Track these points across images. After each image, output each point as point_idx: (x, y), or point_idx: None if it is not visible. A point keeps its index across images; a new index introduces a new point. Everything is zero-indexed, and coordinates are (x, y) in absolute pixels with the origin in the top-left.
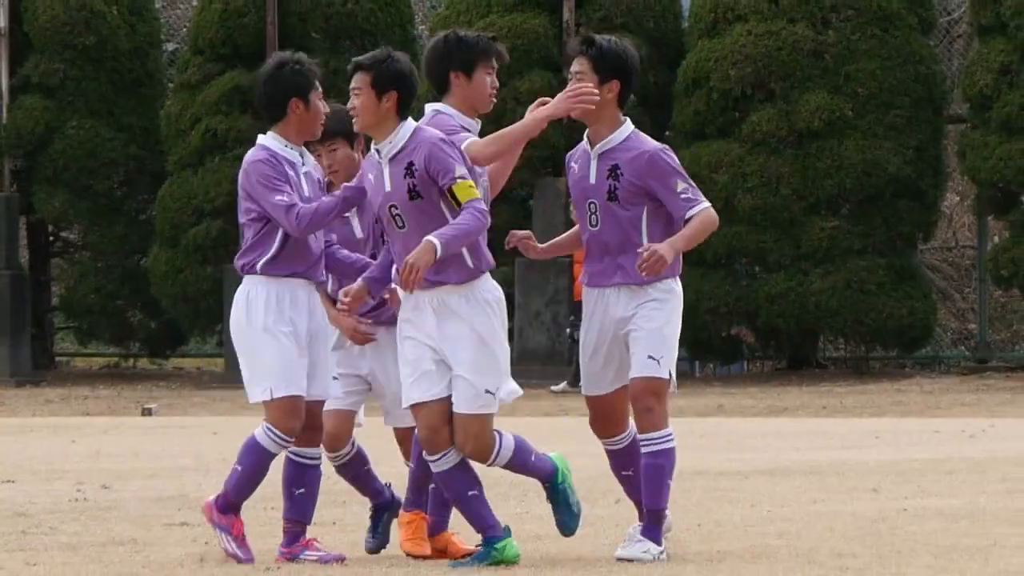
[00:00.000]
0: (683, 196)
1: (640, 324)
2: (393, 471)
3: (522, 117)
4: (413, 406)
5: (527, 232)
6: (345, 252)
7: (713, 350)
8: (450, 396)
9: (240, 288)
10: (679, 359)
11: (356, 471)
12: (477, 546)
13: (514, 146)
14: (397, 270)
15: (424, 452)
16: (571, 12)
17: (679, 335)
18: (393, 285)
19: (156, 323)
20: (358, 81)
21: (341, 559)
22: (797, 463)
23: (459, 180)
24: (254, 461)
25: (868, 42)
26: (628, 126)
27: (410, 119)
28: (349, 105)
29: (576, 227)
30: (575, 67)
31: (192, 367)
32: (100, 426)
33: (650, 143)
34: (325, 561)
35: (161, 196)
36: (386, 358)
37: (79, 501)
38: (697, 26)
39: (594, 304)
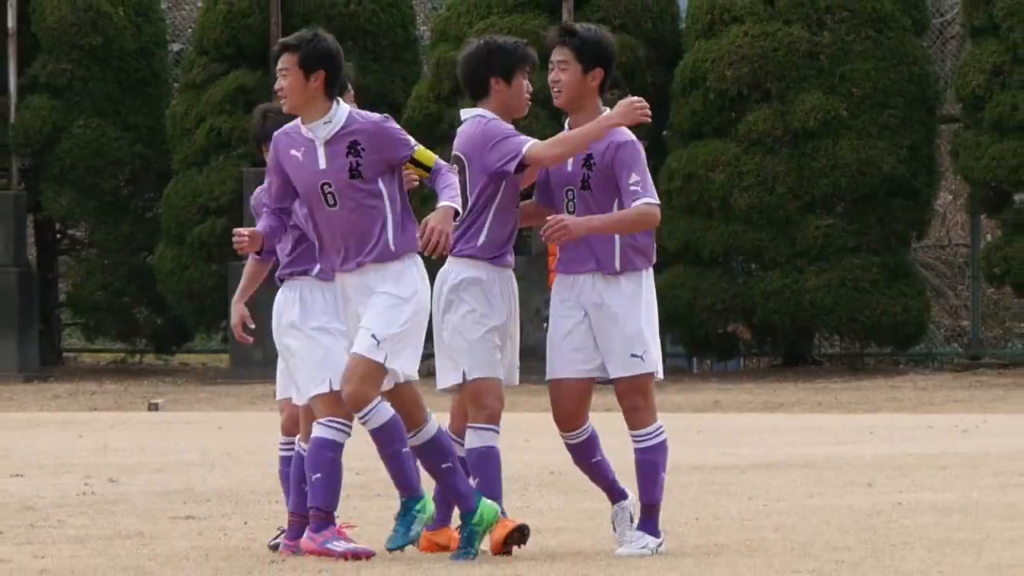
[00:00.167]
0: (632, 187)
1: (617, 319)
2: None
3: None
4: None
5: None
6: None
7: (710, 347)
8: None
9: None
10: (676, 356)
11: (296, 471)
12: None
13: (578, 149)
14: (315, 250)
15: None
16: (570, 13)
17: (658, 323)
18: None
19: (162, 319)
20: (285, 62)
21: (369, 554)
22: (793, 458)
23: (417, 147)
24: (327, 459)
25: (862, 43)
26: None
27: (343, 101)
28: (277, 86)
29: (529, 204)
30: (557, 56)
31: (197, 363)
32: (107, 421)
33: (623, 134)
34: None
35: (167, 194)
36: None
37: (86, 495)
38: (694, 27)
39: (568, 290)
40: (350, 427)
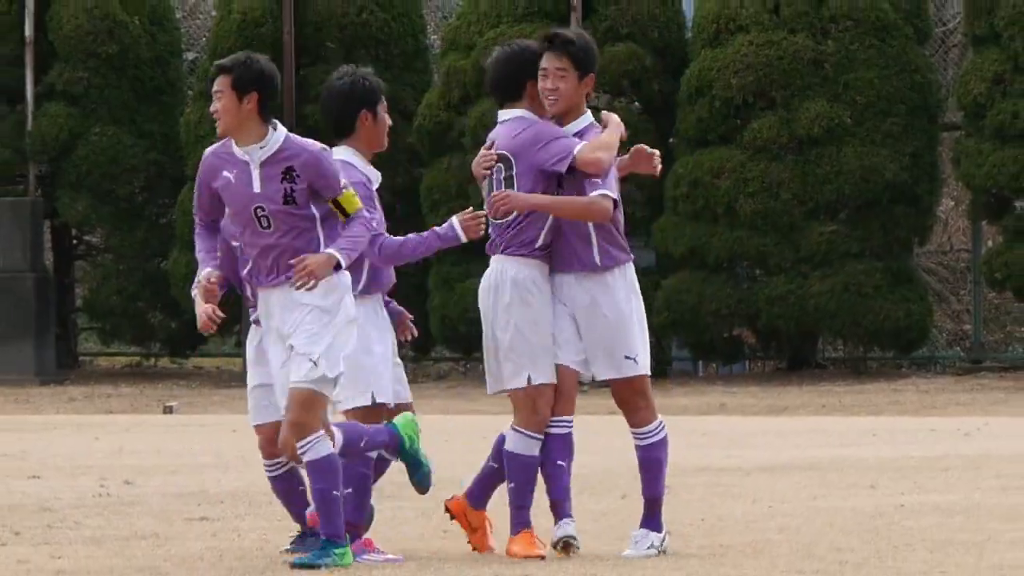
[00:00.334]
0: (592, 181)
1: (609, 322)
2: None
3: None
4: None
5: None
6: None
7: (715, 351)
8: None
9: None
10: (682, 359)
11: (290, 486)
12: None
13: (615, 148)
14: (244, 267)
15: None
16: (578, 23)
17: (646, 318)
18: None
19: (176, 323)
20: (219, 84)
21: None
22: (797, 460)
23: (344, 191)
24: (358, 475)
25: (866, 52)
26: (588, 116)
27: (280, 125)
28: (212, 108)
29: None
30: (555, 63)
31: (212, 366)
32: (123, 423)
33: (595, 133)
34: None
35: (181, 201)
36: None
37: (102, 496)
38: (700, 36)
39: (555, 287)
40: None
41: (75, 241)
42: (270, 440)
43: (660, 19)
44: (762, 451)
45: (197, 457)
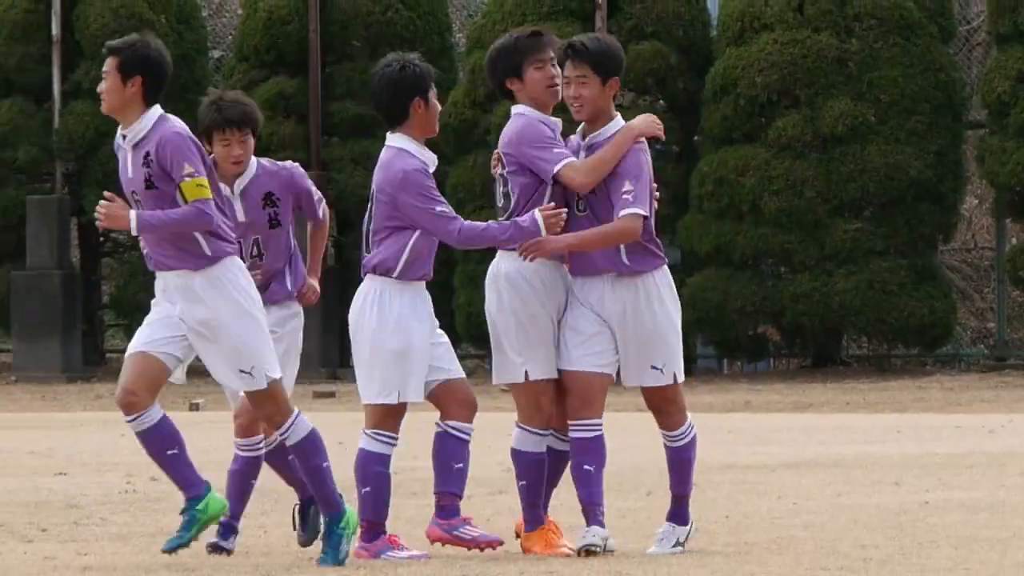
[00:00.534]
0: (624, 195)
1: (640, 327)
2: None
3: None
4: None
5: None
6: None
7: (740, 348)
8: (167, 359)
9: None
10: (707, 357)
11: (283, 459)
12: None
13: (607, 172)
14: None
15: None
16: (603, 21)
17: (680, 323)
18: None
19: None
20: (107, 65)
21: (498, 541)
22: (822, 457)
23: (187, 178)
24: (375, 473)
25: (890, 50)
26: (619, 121)
27: (157, 107)
28: (99, 88)
29: None
30: (575, 71)
31: None
32: None
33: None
34: (485, 540)
35: None
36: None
37: (129, 493)
38: (725, 35)
39: (578, 290)
40: (396, 439)
41: (102, 239)
42: (243, 426)
43: (685, 17)
44: (787, 448)
45: (223, 453)
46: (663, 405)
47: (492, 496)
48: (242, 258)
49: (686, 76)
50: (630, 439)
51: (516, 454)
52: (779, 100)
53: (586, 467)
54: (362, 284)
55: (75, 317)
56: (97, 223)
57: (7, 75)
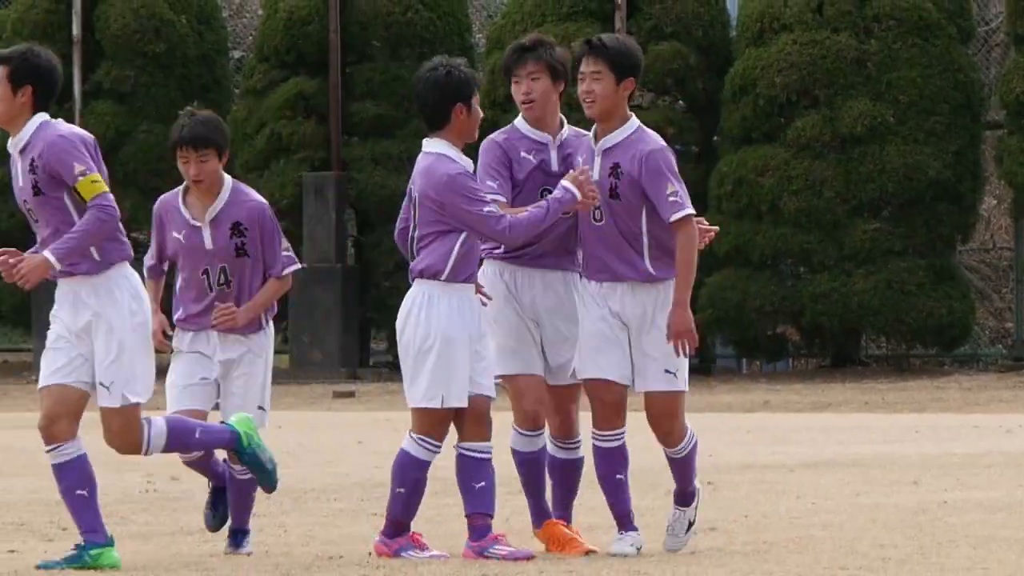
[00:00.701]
0: (671, 199)
1: (655, 331)
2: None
3: (574, 123)
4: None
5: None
6: None
7: (760, 348)
8: (81, 386)
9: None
10: (726, 357)
11: (205, 461)
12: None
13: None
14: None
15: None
16: (623, 22)
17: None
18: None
19: None
20: None
21: (529, 556)
22: (840, 457)
23: (80, 178)
24: (413, 478)
25: (909, 51)
26: (634, 122)
27: (42, 113)
28: None
29: None
30: (591, 67)
31: None
32: None
33: (651, 141)
34: (515, 558)
35: None
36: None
37: (149, 492)
38: (744, 35)
39: (593, 296)
40: (440, 447)
41: None
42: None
43: (704, 18)
44: (806, 448)
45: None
46: (665, 420)
47: (510, 496)
48: (209, 287)
49: (705, 76)
50: (645, 440)
51: (513, 453)
52: (798, 100)
53: (618, 476)
54: (410, 289)
55: None
56: (23, 286)
57: None
